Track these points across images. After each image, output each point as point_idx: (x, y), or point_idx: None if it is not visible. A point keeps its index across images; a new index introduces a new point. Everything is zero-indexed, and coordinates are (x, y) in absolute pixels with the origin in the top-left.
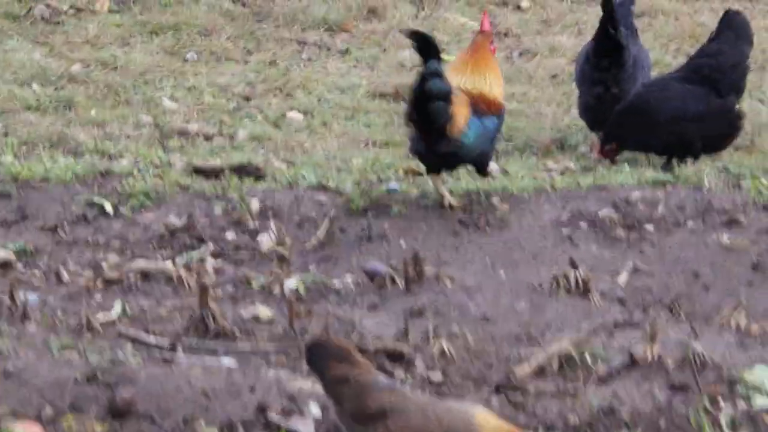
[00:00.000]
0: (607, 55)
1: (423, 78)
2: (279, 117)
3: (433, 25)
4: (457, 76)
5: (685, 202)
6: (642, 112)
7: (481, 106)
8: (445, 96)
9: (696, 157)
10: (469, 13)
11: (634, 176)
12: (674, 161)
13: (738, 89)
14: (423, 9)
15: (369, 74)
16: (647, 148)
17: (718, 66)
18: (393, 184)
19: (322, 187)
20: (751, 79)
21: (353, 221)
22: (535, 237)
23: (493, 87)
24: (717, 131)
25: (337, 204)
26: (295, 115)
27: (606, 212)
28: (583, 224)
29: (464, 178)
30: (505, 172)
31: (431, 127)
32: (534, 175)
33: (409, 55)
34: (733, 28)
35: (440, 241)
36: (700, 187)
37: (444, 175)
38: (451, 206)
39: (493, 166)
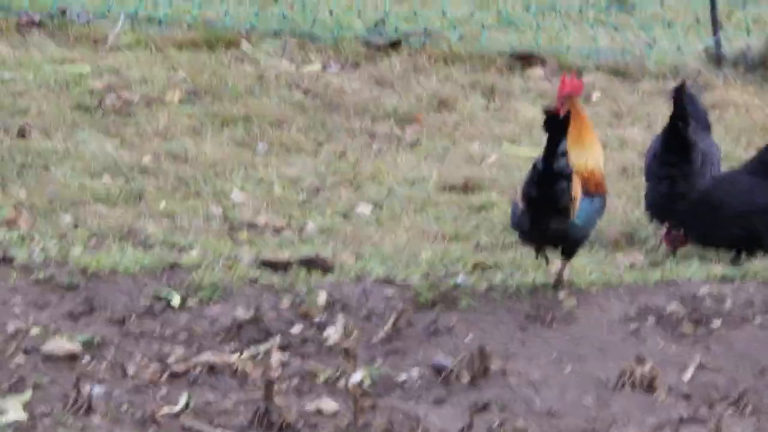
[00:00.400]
0: (675, 151)
1: (552, 157)
2: (348, 209)
3: (503, 117)
4: (577, 152)
5: (754, 298)
6: (710, 207)
7: (590, 186)
8: (570, 176)
9: (765, 251)
10: (540, 104)
11: (702, 271)
12: (743, 256)
13: None
14: (494, 100)
15: (439, 166)
16: (715, 243)
17: None
18: (461, 278)
19: (390, 281)
20: None
21: (420, 315)
22: (602, 332)
23: (599, 163)
24: None
25: (405, 297)
26: (364, 208)
27: (673, 307)
28: (651, 319)
29: (533, 272)
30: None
31: (553, 207)
32: (602, 269)
33: (479, 147)
34: None
35: (507, 335)
36: None
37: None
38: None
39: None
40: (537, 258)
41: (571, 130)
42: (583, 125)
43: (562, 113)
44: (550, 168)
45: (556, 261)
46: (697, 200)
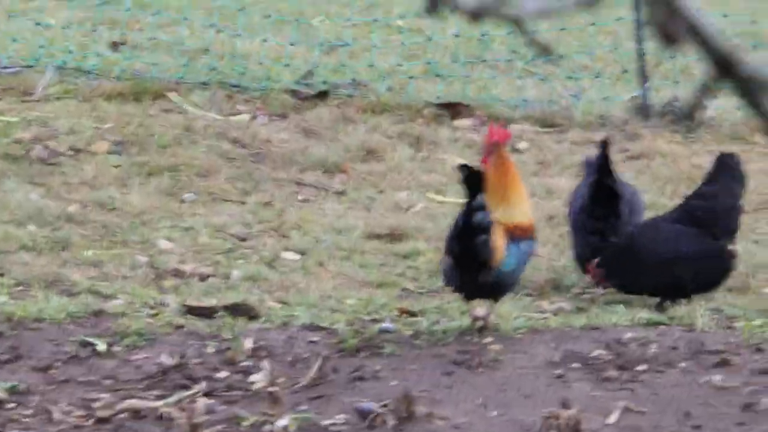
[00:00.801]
0: (603, 204)
1: (469, 211)
2: (274, 257)
3: (430, 167)
4: (489, 202)
5: (678, 343)
6: (633, 254)
7: (517, 232)
8: (488, 229)
9: (688, 298)
10: (467, 155)
11: (627, 317)
12: (667, 302)
13: (731, 231)
14: (421, 150)
15: (365, 215)
16: (639, 290)
17: (711, 208)
18: (387, 324)
19: (316, 327)
20: (746, 220)
21: (346, 361)
22: (528, 377)
23: (525, 208)
24: (709, 273)
25: (331, 343)
26: (290, 256)
27: (598, 352)
28: (576, 365)
29: (458, 319)
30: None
31: (474, 260)
32: (527, 315)
33: (405, 196)
34: (726, 171)
35: (433, 380)
36: (693, 328)
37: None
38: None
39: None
40: (467, 304)
41: (497, 178)
42: (509, 173)
43: (488, 162)
44: (468, 222)
45: (480, 306)
46: (621, 248)
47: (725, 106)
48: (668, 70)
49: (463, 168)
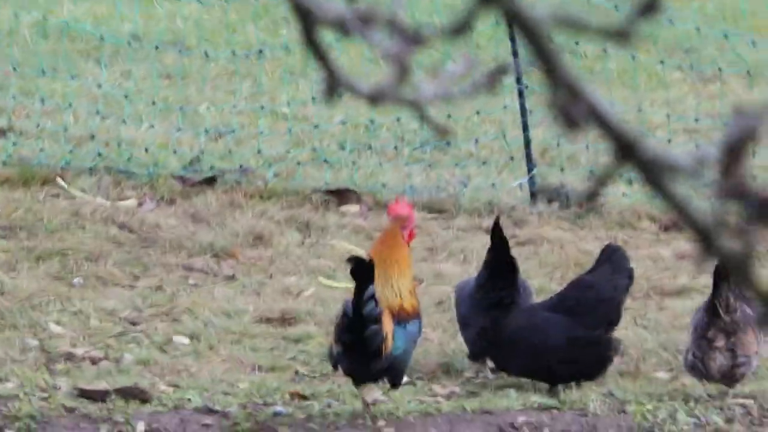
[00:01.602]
0: (503, 276)
1: (360, 303)
2: (165, 341)
3: (319, 252)
4: (377, 287)
5: (570, 427)
6: (510, 339)
7: (403, 313)
8: (379, 318)
9: (564, 383)
10: (355, 240)
11: (519, 401)
12: (558, 387)
13: (610, 321)
14: (309, 236)
15: (255, 300)
16: (516, 374)
17: (585, 300)
18: (279, 408)
19: (209, 410)
20: (636, 306)
21: None
22: None
23: (410, 289)
24: (582, 361)
25: (223, 426)
26: (181, 340)
27: None
28: None
29: (351, 403)
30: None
31: (366, 350)
32: (420, 399)
33: (295, 281)
34: (610, 262)
35: None
36: (585, 412)
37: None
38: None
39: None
40: (357, 388)
41: (387, 258)
42: (400, 253)
43: (390, 234)
44: (359, 314)
45: (370, 391)
46: (501, 332)
47: (613, 192)
48: (554, 158)
49: (353, 259)
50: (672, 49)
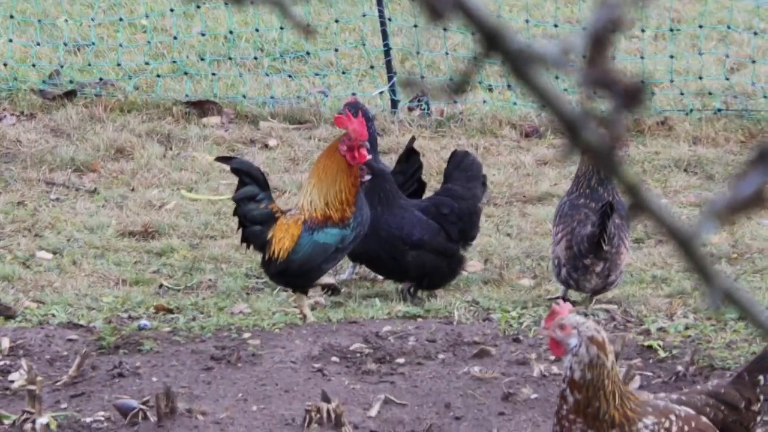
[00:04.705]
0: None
1: (238, 203)
2: (28, 257)
3: (181, 165)
4: (302, 191)
5: (436, 335)
6: (379, 235)
7: (316, 221)
8: (262, 220)
9: (415, 285)
10: (217, 152)
11: (384, 310)
12: (419, 292)
13: (470, 236)
14: (171, 148)
15: (118, 213)
16: (375, 268)
17: (458, 210)
18: (144, 322)
19: (73, 325)
20: (498, 213)
21: (105, 358)
22: (287, 371)
23: (333, 198)
24: (437, 268)
25: (89, 341)
26: (44, 255)
27: (357, 346)
28: (335, 358)
29: (216, 315)
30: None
31: (256, 248)
32: (285, 310)
33: (157, 194)
34: (462, 170)
35: (192, 376)
36: (450, 320)
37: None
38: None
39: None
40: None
41: (314, 172)
42: (328, 162)
43: (331, 144)
44: (238, 214)
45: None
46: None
47: (473, 99)
48: (414, 66)
49: (220, 160)
50: None
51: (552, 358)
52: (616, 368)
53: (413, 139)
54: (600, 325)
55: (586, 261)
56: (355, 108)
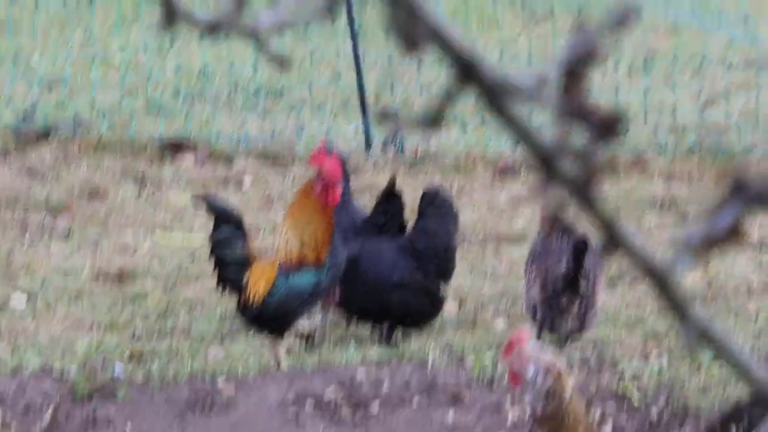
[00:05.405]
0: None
1: (212, 246)
2: (2, 301)
3: (155, 205)
4: (277, 233)
5: (411, 379)
6: (353, 267)
7: (292, 264)
8: (238, 263)
9: (401, 324)
10: (192, 191)
11: (358, 355)
12: (394, 334)
13: (447, 273)
14: (145, 188)
15: (92, 256)
16: (356, 311)
17: (434, 246)
18: (118, 368)
19: (47, 373)
20: (473, 252)
21: (79, 407)
22: (262, 418)
23: (308, 239)
24: (417, 307)
25: (62, 389)
26: (18, 299)
27: (331, 392)
28: (309, 404)
29: (190, 360)
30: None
31: (232, 292)
32: (259, 354)
33: (132, 236)
34: (436, 206)
35: (166, 423)
36: (424, 364)
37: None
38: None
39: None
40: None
41: (291, 207)
42: (302, 203)
43: (305, 184)
44: (214, 256)
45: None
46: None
47: (447, 138)
48: (388, 103)
49: (198, 198)
50: None
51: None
52: (576, 399)
53: (394, 179)
54: (574, 366)
55: (562, 300)
56: (328, 149)
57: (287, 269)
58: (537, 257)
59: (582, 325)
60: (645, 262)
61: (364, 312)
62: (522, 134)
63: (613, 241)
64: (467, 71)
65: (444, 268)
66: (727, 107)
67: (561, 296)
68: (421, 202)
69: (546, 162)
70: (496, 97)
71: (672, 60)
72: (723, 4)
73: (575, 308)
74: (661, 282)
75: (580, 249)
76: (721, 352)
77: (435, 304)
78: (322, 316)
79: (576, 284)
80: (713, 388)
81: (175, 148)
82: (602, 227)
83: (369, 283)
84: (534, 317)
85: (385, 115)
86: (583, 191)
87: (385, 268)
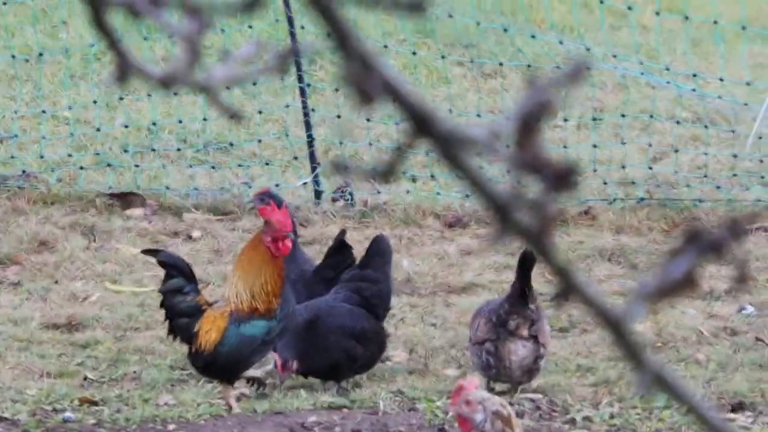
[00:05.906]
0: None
1: (163, 296)
2: None
3: (104, 257)
4: (228, 283)
5: (361, 426)
6: (313, 330)
7: (242, 313)
8: (189, 312)
9: (350, 374)
10: (141, 244)
11: (310, 401)
12: (344, 385)
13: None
14: (94, 240)
15: (42, 306)
16: (316, 366)
17: (379, 292)
18: (69, 414)
19: None
20: (423, 303)
21: None
22: None
23: (259, 290)
24: (371, 352)
25: None
26: None
27: None
28: None
29: (140, 407)
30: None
31: (184, 340)
32: (210, 401)
33: (81, 286)
34: (381, 254)
35: None
36: (375, 411)
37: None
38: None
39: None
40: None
41: (240, 257)
42: (252, 254)
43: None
44: (165, 306)
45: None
46: (303, 324)
47: (397, 190)
48: (338, 157)
49: (148, 253)
50: (452, 44)
51: None
52: None
53: (344, 232)
54: (524, 413)
55: (510, 324)
56: (268, 197)
57: (238, 318)
58: (477, 313)
59: (532, 368)
60: (600, 310)
61: (326, 370)
62: (476, 185)
63: (568, 289)
64: (421, 124)
65: (384, 311)
66: (676, 161)
67: (509, 318)
68: (367, 252)
69: (501, 213)
70: (450, 149)
71: (620, 115)
72: (671, 59)
73: (525, 331)
74: (615, 329)
75: (527, 259)
76: (676, 396)
77: (382, 348)
78: (273, 363)
79: (524, 298)
80: None
81: (124, 201)
82: (557, 276)
83: (331, 339)
84: (480, 358)
85: (336, 167)
86: (538, 241)
87: (345, 321)
